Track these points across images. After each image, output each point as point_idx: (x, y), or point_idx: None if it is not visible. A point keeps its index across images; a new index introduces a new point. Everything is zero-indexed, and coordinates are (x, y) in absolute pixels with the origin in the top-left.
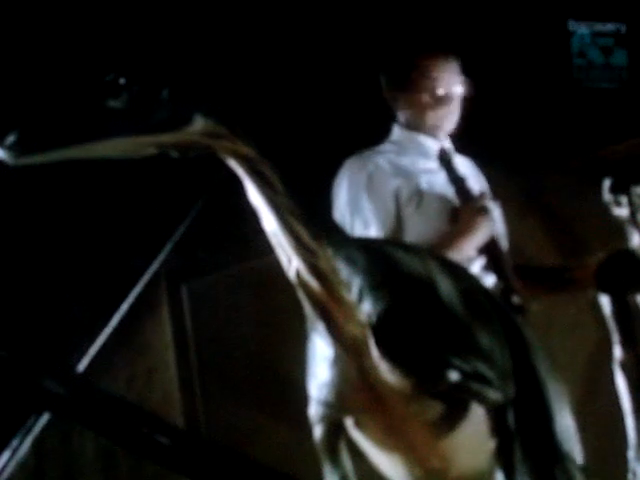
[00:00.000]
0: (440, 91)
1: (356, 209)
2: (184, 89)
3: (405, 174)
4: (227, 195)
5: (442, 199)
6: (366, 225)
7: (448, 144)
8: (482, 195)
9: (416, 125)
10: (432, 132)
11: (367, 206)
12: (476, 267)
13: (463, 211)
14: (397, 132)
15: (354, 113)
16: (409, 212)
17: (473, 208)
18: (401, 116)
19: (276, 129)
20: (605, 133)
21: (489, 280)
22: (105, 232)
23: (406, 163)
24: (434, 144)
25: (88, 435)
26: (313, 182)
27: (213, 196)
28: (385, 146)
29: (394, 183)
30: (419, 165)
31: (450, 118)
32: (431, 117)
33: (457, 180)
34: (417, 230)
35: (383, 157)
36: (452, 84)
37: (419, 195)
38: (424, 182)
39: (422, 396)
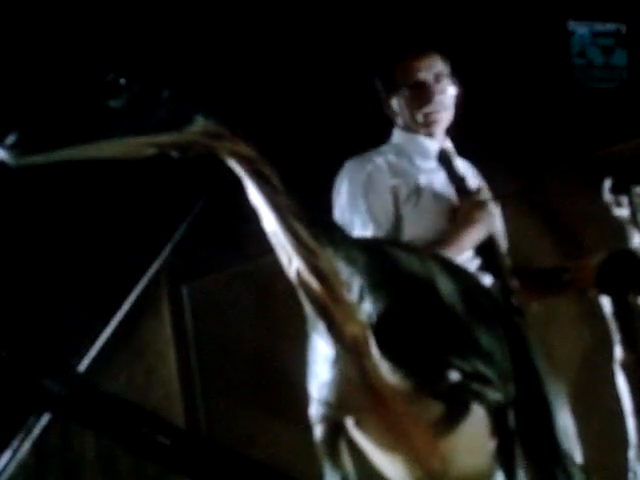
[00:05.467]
0: (421, 88)
1: (355, 208)
2: (184, 89)
3: (404, 174)
4: (227, 195)
5: (441, 198)
6: (364, 224)
7: (449, 144)
8: (479, 190)
9: (410, 126)
10: (426, 131)
11: (365, 205)
12: (473, 267)
13: (461, 206)
14: (397, 134)
15: (357, 115)
16: (407, 211)
17: (471, 202)
18: (397, 119)
19: (277, 130)
20: (605, 133)
21: (486, 280)
22: (106, 232)
23: (405, 163)
24: (433, 144)
25: (88, 435)
26: (314, 182)
27: (213, 196)
28: (385, 147)
29: (392, 182)
30: (418, 165)
31: (439, 116)
32: (418, 115)
33: (457, 180)
34: (416, 228)
35: (382, 157)
36: (434, 81)
37: (417, 194)
38: (423, 181)
39: (422, 396)
